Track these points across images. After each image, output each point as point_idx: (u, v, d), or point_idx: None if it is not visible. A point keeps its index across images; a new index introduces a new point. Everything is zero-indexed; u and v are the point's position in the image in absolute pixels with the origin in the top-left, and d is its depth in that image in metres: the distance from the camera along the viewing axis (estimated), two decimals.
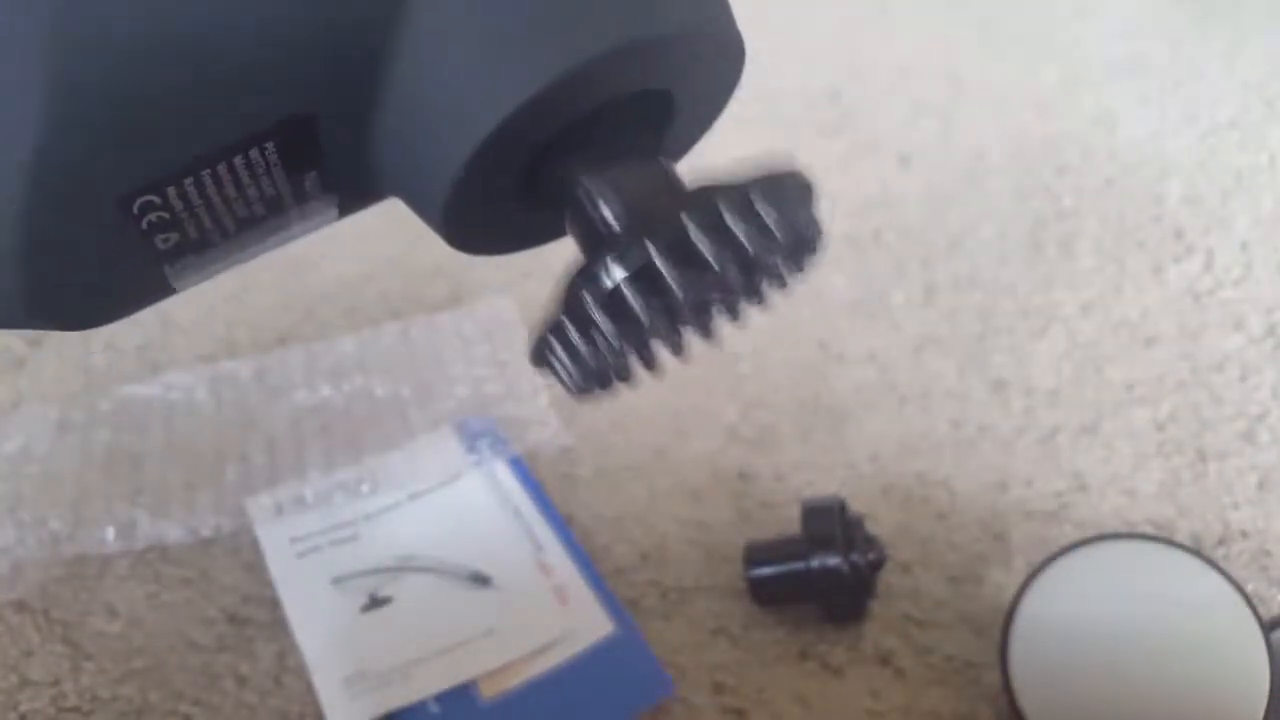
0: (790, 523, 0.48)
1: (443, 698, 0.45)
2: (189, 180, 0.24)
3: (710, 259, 0.23)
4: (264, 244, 0.28)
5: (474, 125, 0.24)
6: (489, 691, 0.45)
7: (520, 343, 0.59)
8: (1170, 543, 0.44)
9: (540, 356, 0.25)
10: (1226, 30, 0.85)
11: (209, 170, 0.24)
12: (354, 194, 0.28)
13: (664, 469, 0.55)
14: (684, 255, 0.23)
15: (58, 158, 0.22)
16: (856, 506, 0.50)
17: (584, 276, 0.24)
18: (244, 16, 0.22)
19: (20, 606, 0.50)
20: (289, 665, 0.47)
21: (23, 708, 0.46)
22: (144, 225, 0.24)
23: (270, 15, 0.22)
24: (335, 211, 0.28)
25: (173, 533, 0.51)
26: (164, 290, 0.27)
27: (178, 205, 0.24)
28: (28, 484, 0.52)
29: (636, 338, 0.24)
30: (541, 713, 0.45)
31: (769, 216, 0.24)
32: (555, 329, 0.24)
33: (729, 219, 0.23)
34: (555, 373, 0.26)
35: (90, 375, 0.59)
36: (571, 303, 0.24)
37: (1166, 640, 0.42)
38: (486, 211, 0.27)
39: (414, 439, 0.55)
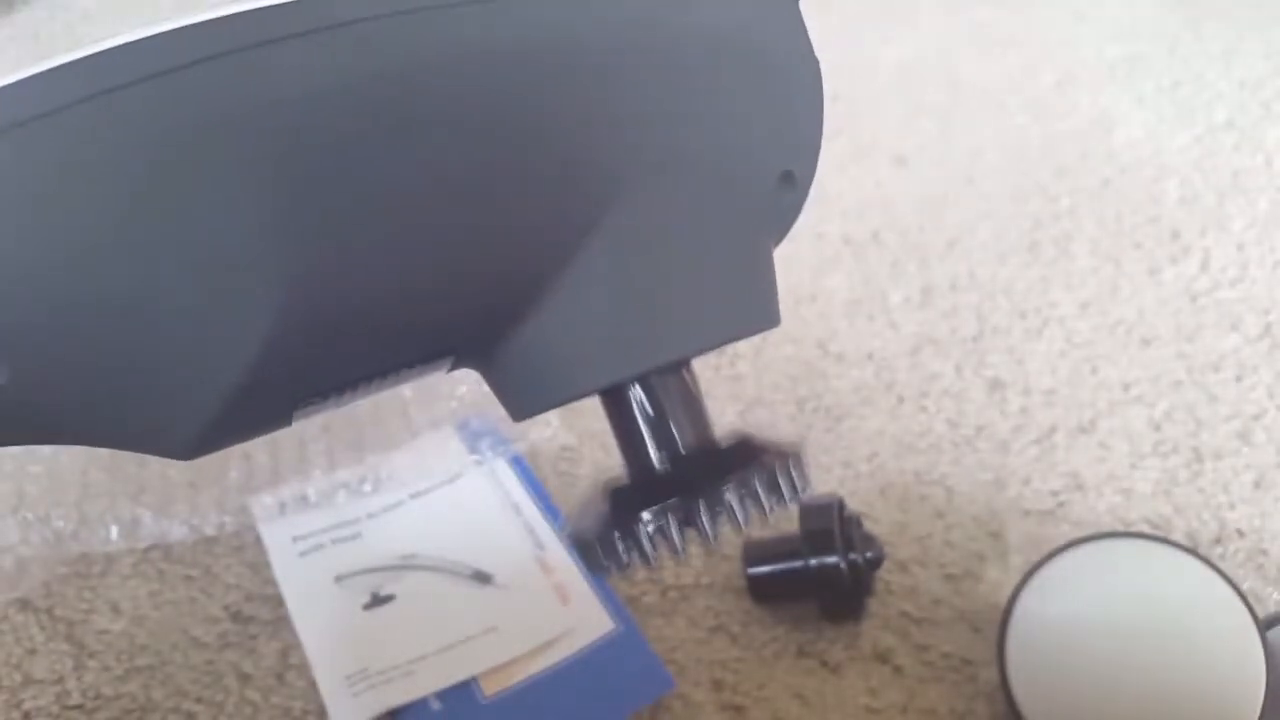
0: (789, 522, 0.48)
1: (444, 695, 0.45)
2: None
3: (740, 522, 0.29)
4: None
5: (580, 384, 0.29)
6: (490, 688, 0.46)
7: None
8: (1167, 541, 0.44)
9: (590, 557, 0.30)
10: (1223, 32, 0.85)
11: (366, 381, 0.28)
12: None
13: None
14: (719, 509, 0.29)
15: (277, 356, 0.25)
16: (854, 505, 0.50)
17: (646, 512, 0.29)
18: (439, 278, 0.26)
19: (24, 605, 0.50)
20: (292, 663, 0.47)
21: (26, 705, 0.46)
22: (296, 409, 0.28)
23: (457, 282, 0.26)
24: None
25: (176, 531, 0.52)
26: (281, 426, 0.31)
27: (330, 399, 0.28)
28: (31, 483, 0.53)
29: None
30: (542, 710, 0.45)
31: (789, 494, 0.29)
32: (605, 542, 0.29)
33: (761, 493, 0.29)
34: (588, 560, 0.30)
35: None
36: (626, 527, 0.29)
37: (1163, 638, 0.42)
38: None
39: (416, 438, 0.55)
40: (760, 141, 0.30)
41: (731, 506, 0.29)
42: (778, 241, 0.33)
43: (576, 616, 0.48)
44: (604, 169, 0.27)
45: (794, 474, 0.30)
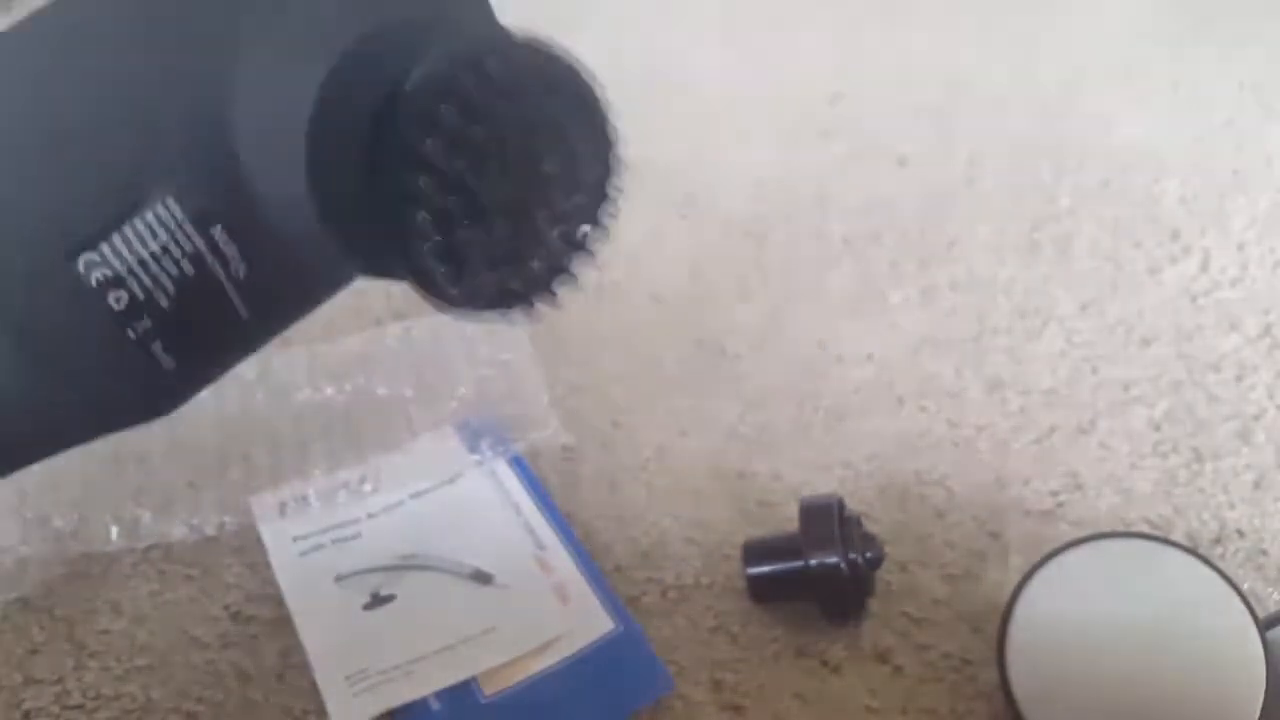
0: (789, 522, 0.48)
1: (444, 695, 0.45)
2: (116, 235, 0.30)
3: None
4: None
5: (313, 70, 0.30)
6: (490, 688, 0.46)
7: (522, 343, 0.59)
8: (1167, 541, 0.44)
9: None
10: (1223, 32, 0.85)
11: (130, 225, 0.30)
12: (260, 242, 0.32)
13: (664, 468, 0.55)
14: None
15: None
16: (854, 505, 0.50)
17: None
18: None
19: (24, 604, 0.50)
20: (292, 662, 0.47)
21: (26, 705, 0.46)
22: (94, 284, 0.30)
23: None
24: (245, 267, 0.32)
25: (176, 531, 0.52)
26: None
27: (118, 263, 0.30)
28: (31, 482, 0.53)
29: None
30: (542, 710, 0.45)
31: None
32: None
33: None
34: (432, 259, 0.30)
35: None
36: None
37: (1163, 638, 0.42)
38: (342, 178, 0.31)
39: (416, 438, 0.55)
40: None
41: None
42: None
43: (576, 616, 0.48)
44: None
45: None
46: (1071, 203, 0.70)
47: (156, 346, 0.32)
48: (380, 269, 0.34)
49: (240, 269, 0.32)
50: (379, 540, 0.51)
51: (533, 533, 0.51)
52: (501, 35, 0.33)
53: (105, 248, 0.30)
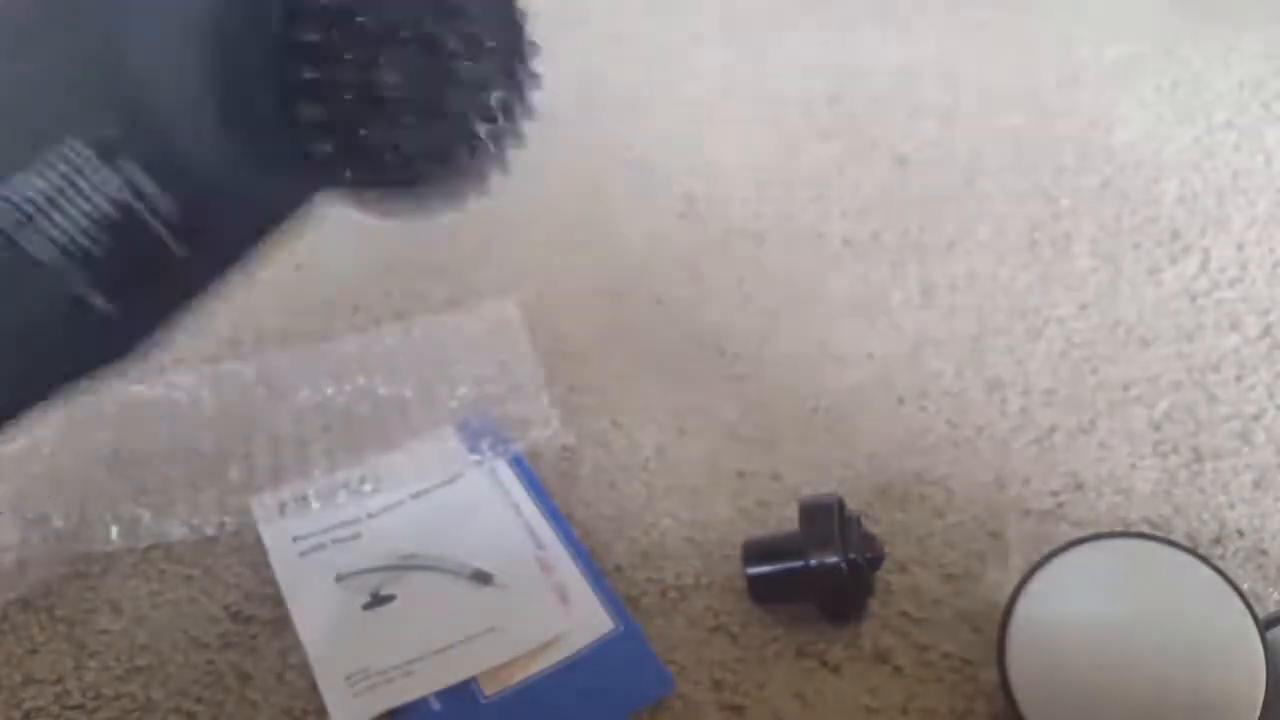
0: (789, 522, 0.48)
1: (444, 695, 0.45)
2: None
3: None
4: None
5: None
6: (490, 689, 0.46)
7: (522, 343, 0.59)
8: (1167, 541, 0.44)
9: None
10: (1223, 32, 0.85)
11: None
12: (179, 175, 0.32)
13: (664, 468, 0.55)
14: None
15: None
16: (854, 505, 0.50)
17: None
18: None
19: (24, 604, 0.50)
20: (292, 662, 0.47)
21: (26, 705, 0.46)
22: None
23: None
24: (170, 203, 0.32)
25: (176, 531, 0.52)
26: None
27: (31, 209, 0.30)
28: (32, 483, 0.53)
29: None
30: (542, 710, 0.45)
31: None
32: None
33: None
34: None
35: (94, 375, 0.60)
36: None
37: (1163, 638, 0.42)
38: (241, 87, 0.31)
39: (416, 438, 0.55)
40: None
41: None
42: None
43: (576, 617, 0.48)
44: None
45: None
46: (1071, 203, 0.70)
47: (94, 295, 0.31)
48: (305, 182, 0.33)
49: (165, 205, 0.31)
50: (379, 540, 0.51)
51: (533, 533, 0.52)
52: None
53: (13, 194, 0.29)
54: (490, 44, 0.32)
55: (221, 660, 0.48)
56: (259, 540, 0.52)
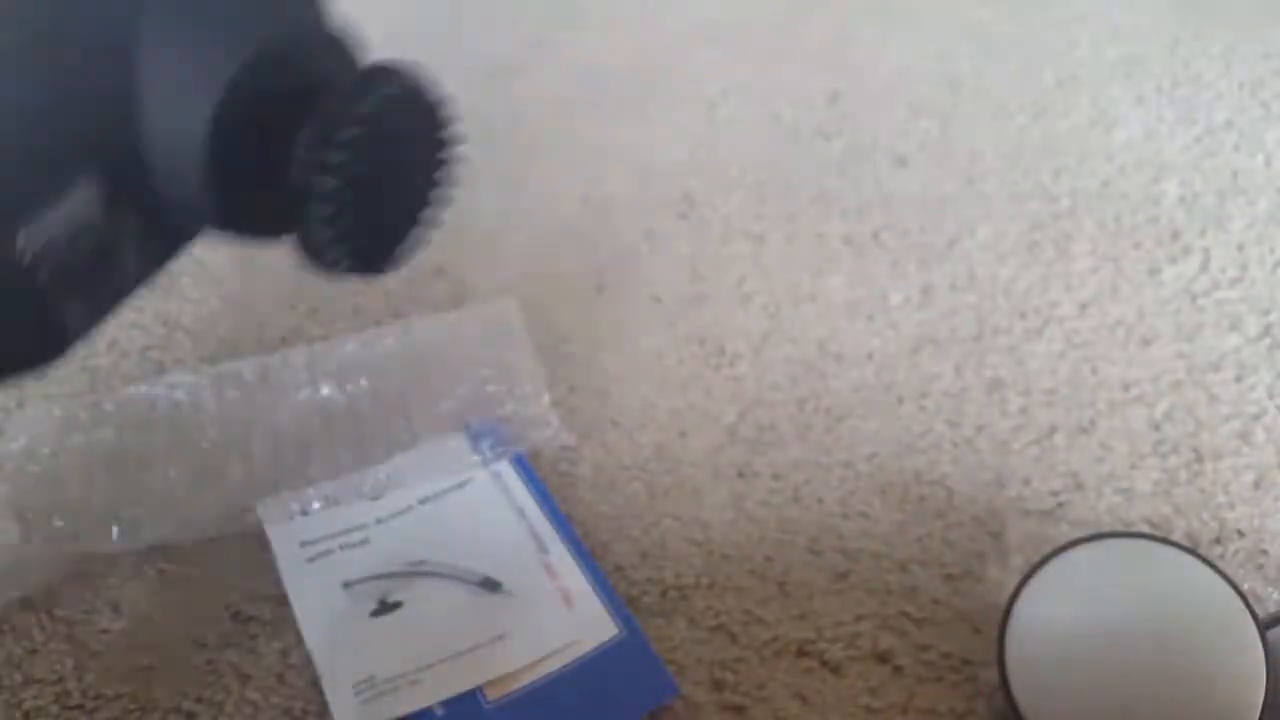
0: (789, 521, 0.48)
1: (448, 701, 0.45)
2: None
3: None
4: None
5: (213, 84, 0.33)
6: (493, 694, 0.45)
7: (522, 343, 0.59)
8: (1167, 541, 0.44)
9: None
10: (1223, 32, 0.85)
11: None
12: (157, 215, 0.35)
13: (664, 468, 0.55)
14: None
15: None
16: (855, 505, 0.50)
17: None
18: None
19: (24, 604, 0.50)
20: (292, 663, 0.47)
21: (26, 705, 0.46)
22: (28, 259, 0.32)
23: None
24: (140, 229, 0.35)
25: (176, 532, 0.52)
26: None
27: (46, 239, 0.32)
28: (32, 483, 0.53)
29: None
30: (545, 716, 0.45)
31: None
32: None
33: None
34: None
35: (95, 375, 0.60)
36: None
37: (1163, 638, 0.42)
38: (241, 179, 0.35)
39: (420, 441, 0.55)
40: None
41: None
42: None
43: (581, 622, 0.48)
44: None
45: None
46: (1071, 203, 0.70)
47: (69, 307, 0.34)
48: (254, 235, 0.38)
49: (137, 231, 0.35)
50: (387, 546, 0.51)
51: (537, 537, 0.51)
52: (376, 83, 0.37)
53: (36, 224, 0.32)
54: (430, 163, 0.40)
55: (221, 660, 0.48)
56: (259, 540, 0.52)
